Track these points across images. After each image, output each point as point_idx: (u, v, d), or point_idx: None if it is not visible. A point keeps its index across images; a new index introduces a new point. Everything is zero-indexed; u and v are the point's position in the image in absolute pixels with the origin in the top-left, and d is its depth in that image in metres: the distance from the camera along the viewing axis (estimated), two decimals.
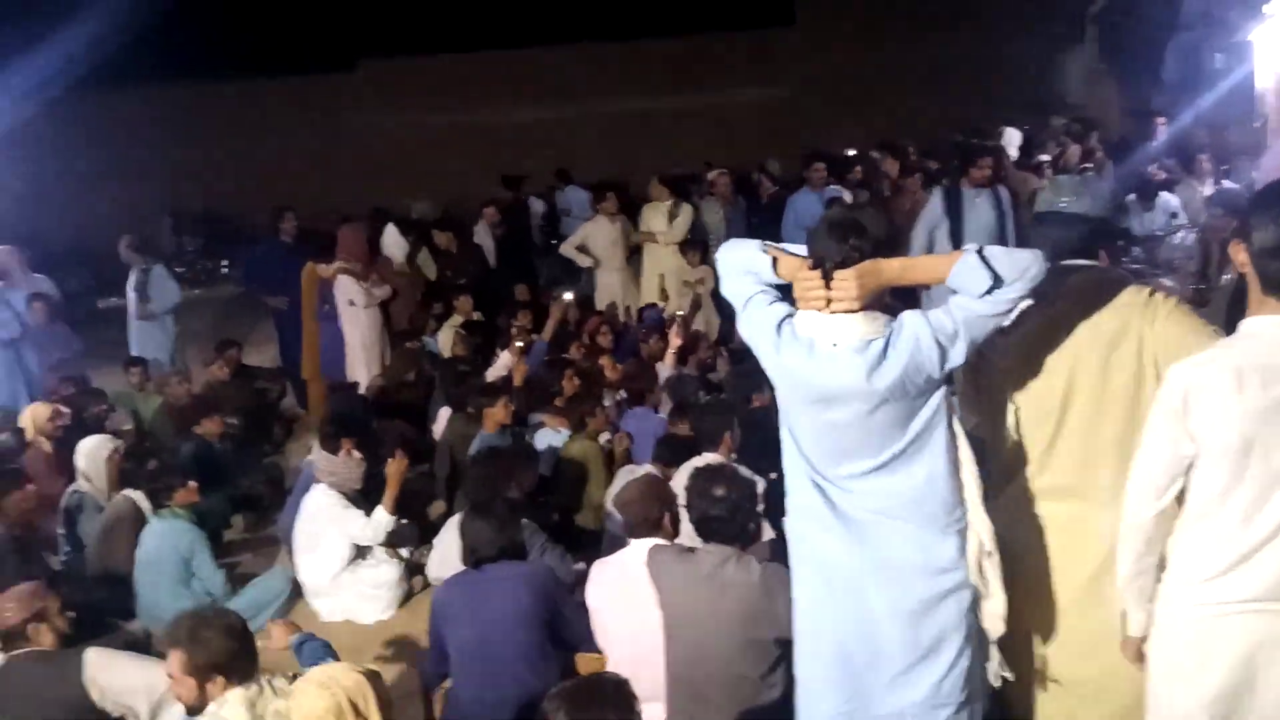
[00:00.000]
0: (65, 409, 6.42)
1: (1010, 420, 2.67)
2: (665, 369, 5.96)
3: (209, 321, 10.36)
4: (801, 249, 2.51)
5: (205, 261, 13.45)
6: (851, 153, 10.54)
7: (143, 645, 4.38)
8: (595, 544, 4.60)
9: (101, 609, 4.83)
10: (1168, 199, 8.42)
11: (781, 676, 3.14)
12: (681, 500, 3.41)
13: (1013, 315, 2.36)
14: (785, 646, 3.10)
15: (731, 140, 13.35)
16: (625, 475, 4.64)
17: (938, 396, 2.39)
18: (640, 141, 13.93)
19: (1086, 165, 9.12)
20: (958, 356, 2.33)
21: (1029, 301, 2.36)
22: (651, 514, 3.44)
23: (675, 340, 6.07)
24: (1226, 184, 8.50)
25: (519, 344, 6.11)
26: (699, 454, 4.46)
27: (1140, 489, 2.29)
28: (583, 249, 8.38)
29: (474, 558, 3.47)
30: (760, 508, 3.47)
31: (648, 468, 4.60)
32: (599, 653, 3.50)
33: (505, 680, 3.32)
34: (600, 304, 8.16)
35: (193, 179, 13.96)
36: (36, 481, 5.18)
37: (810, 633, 2.68)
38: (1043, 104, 12.57)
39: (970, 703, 2.56)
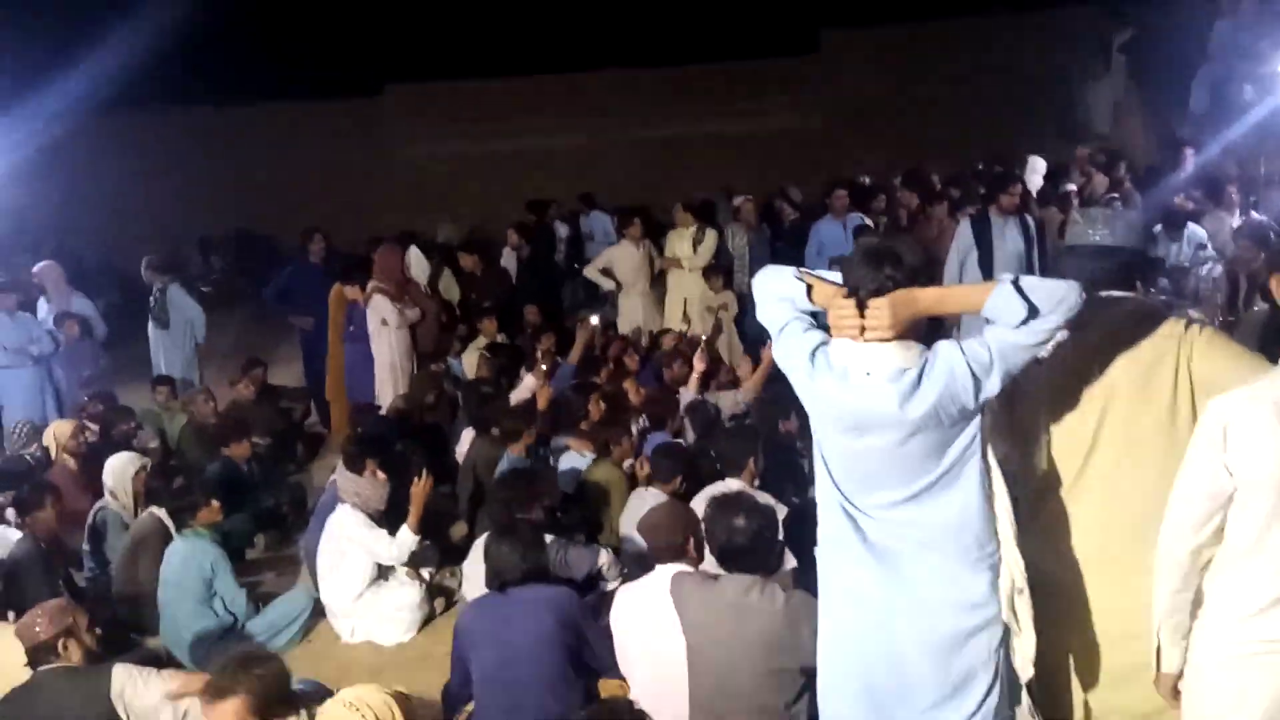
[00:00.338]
0: (90, 425, 6.50)
1: (1043, 451, 2.64)
2: (688, 394, 5.95)
3: (232, 340, 10.46)
4: (837, 276, 2.50)
5: (233, 280, 13.58)
6: (867, 181, 10.58)
7: (163, 662, 4.40)
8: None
9: (124, 625, 4.88)
10: (1195, 230, 8.36)
11: (806, 706, 3.12)
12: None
13: (1049, 346, 2.34)
14: (810, 676, 3.08)
15: (755, 166, 13.36)
16: (637, 499, 4.67)
17: (972, 427, 2.37)
18: (665, 167, 13.96)
19: (1114, 195, 9.08)
20: (993, 387, 2.31)
21: (1064, 332, 2.34)
22: (676, 540, 3.42)
23: (699, 365, 6.07)
24: (1255, 215, 8.43)
25: (544, 367, 6.12)
26: (722, 479, 4.46)
27: (1177, 524, 2.27)
28: (607, 272, 8.42)
29: (498, 581, 3.47)
30: (781, 535, 3.45)
31: (655, 491, 4.61)
32: (621, 678, 3.48)
33: (528, 705, 3.31)
34: (624, 328, 8.17)
35: (224, 200, 14.12)
36: (62, 497, 5.23)
37: (836, 664, 2.65)
38: (1069, 134, 12.55)
39: None
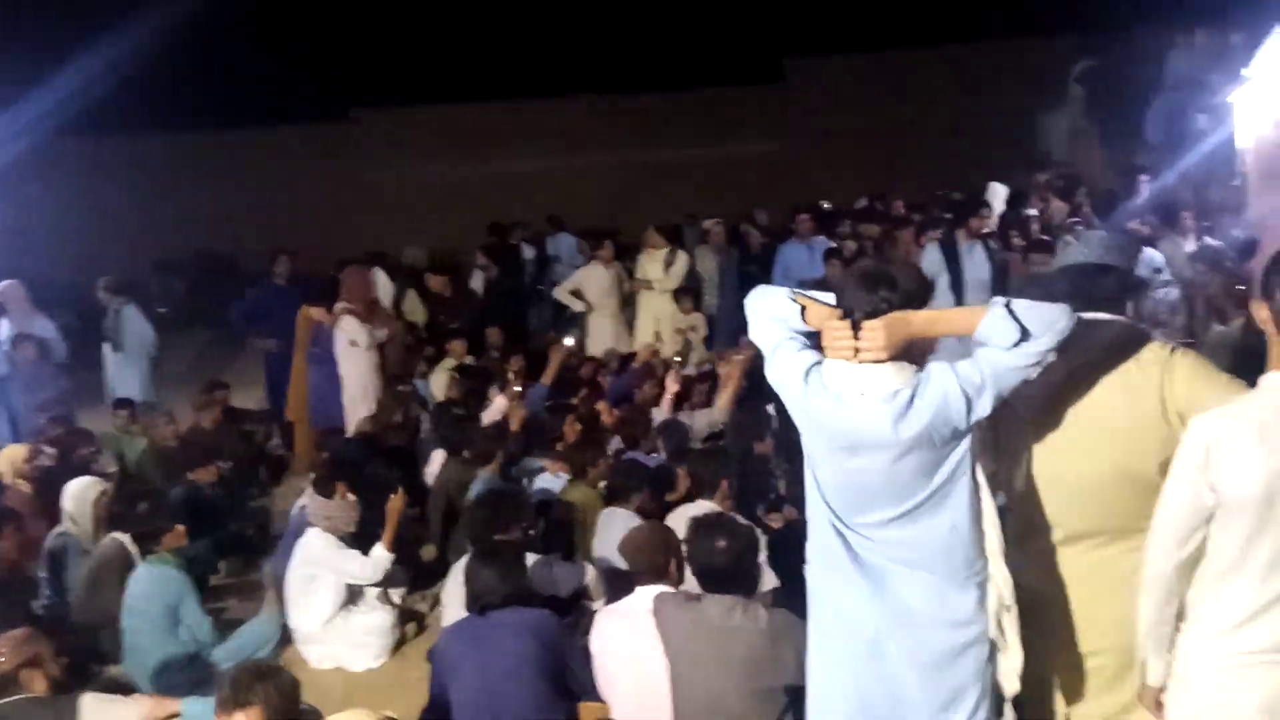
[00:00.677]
0: (46, 449, 6.34)
1: (1030, 471, 2.67)
2: (660, 414, 5.95)
3: (191, 362, 10.31)
4: (830, 298, 2.53)
5: (192, 302, 13.40)
6: (828, 206, 10.76)
7: (126, 691, 4.28)
8: None
9: (86, 653, 4.74)
10: (1152, 254, 8.54)
11: None
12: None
13: (1039, 368, 2.37)
14: (792, 694, 3.08)
15: (721, 192, 13.50)
16: (607, 519, 4.65)
17: (963, 446, 2.39)
18: (633, 191, 14.07)
19: (1074, 220, 9.27)
20: (984, 408, 2.34)
21: (1053, 354, 2.37)
22: (658, 561, 3.41)
23: (672, 386, 6.08)
24: (1208, 240, 8.64)
25: (517, 388, 6.09)
26: (694, 501, 4.45)
27: (1162, 540, 2.30)
28: (577, 294, 8.42)
29: (479, 604, 3.43)
30: (762, 557, 3.45)
31: (624, 512, 4.59)
32: (602, 701, 3.45)
33: None
34: (593, 349, 8.19)
35: (188, 224, 14.00)
36: (22, 524, 5.09)
37: (827, 683, 2.65)
38: (1028, 161, 12.80)
39: None
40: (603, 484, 5.04)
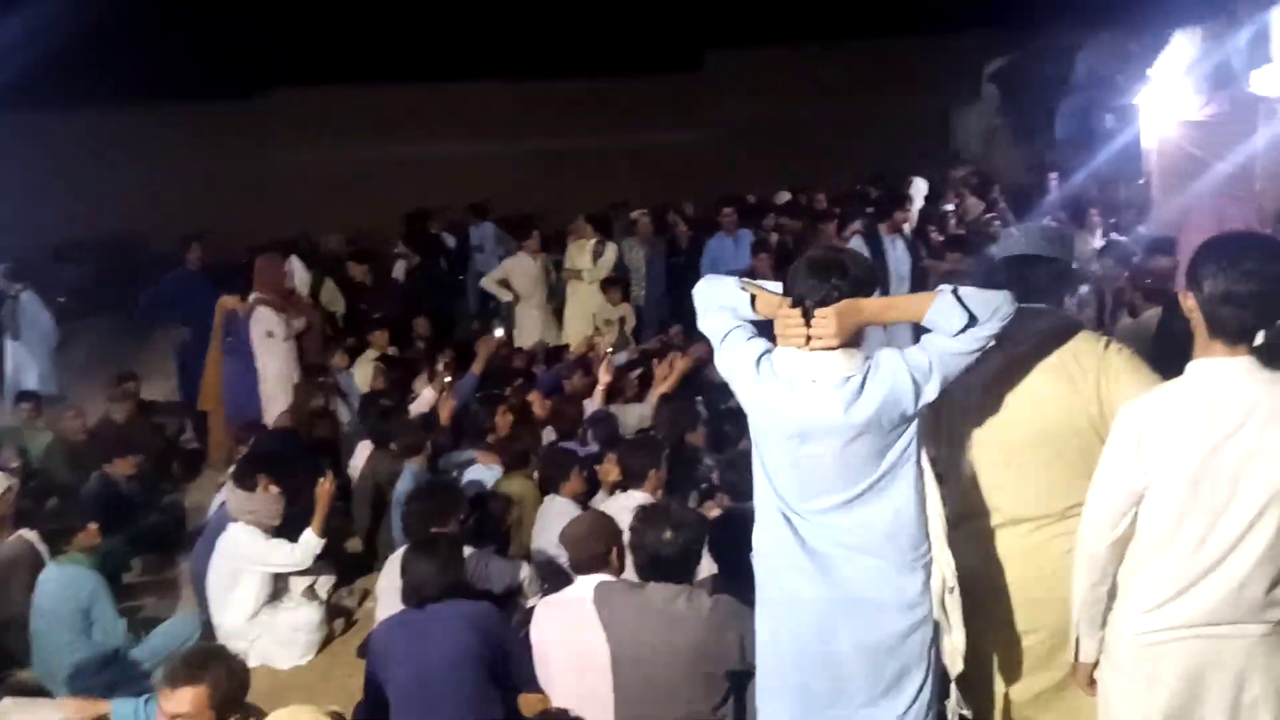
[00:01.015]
0: None
1: (970, 455, 2.74)
2: (592, 405, 5.93)
3: (93, 352, 9.89)
4: (776, 286, 2.55)
5: (95, 289, 12.84)
6: (753, 199, 10.85)
7: (37, 695, 4.11)
8: None
9: None
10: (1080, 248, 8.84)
11: (731, 709, 3.14)
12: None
13: (980, 354, 2.43)
14: (734, 678, 3.11)
15: (641, 181, 13.49)
16: (546, 509, 4.60)
17: (909, 432, 2.44)
18: (554, 179, 13.95)
19: (991, 216, 9.54)
20: (931, 393, 2.39)
21: (992, 342, 2.44)
22: (600, 550, 3.41)
23: (604, 377, 6.07)
24: (1115, 236, 8.97)
25: (447, 379, 6.00)
26: (625, 491, 4.45)
27: (1095, 521, 2.37)
28: (504, 284, 8.34)
29: (416, 597, 3.37)
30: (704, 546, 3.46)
31: (564, 500, 4.58)
32: (542, 692, 3.43)
33: None
34: (520, 340, 8.11)
35: (91, 207, 13.39)
36: None
37: (773, 667, 2.67)
38: (944, 157, 13.13)
39: None
40: (535, 474, 5.01)
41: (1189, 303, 2.28)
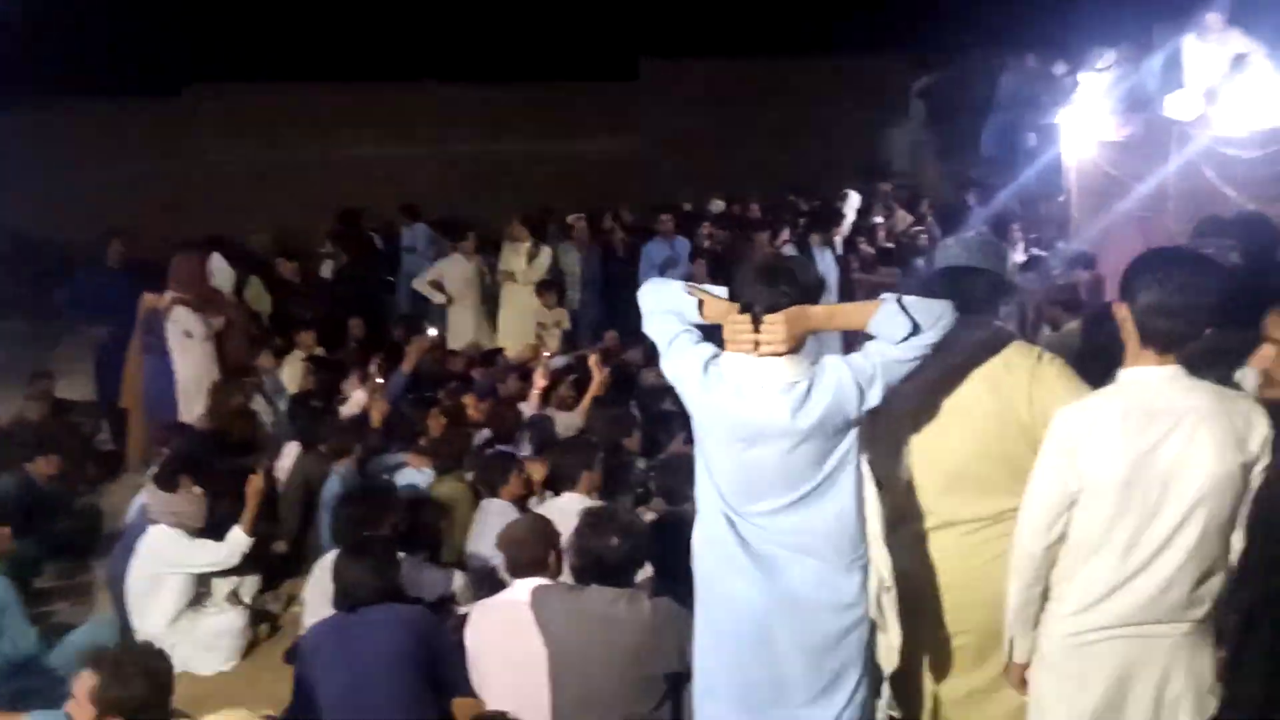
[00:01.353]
0: None
1: (906, 461, 2.79)
2: (529, 409, 5.90)
3: (7, 350, 9.49)
4: (722, 291, 2.58)
5: (8, 287, 12.33)
6: (689, 208, 10.95)
7: None
8: None
9: None
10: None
11: (669, 711, 3.14)
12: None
13: (919, 362, 2.48)
14: (672, 680, 3.11)
15: (572, 188, 13.45)
16: (483, 512, 4.56)
17: (850, 436, 2.49)
18: (485, 183, 13.82)
19: (919, 229, 9.74)
20: (874, 398, 2.44)
21: (930, 350, 2.49)
22: (539, 553, 3.38)
23: (540, 381, 6.03)
24: (1036, 251, 9.24)
25: (379, 380, 5.90)
26: (556, 493, 4.44)
27: (1031, 524, 2.44)
28: (438, 286, 8.24)
29: (349, 601, 3.30)
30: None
31: (501, 503, 4.54)
32: (476, 697, 3.38)
33: None
34: (453, 342, 8.03)
35: (5, 203, 12.83)
36: None
37: (713, 667, 2.69)
38: (872, 170, 13.38)
39: None
40: (469, 475, 4.95)
41: (1122, 313, 2.35)
